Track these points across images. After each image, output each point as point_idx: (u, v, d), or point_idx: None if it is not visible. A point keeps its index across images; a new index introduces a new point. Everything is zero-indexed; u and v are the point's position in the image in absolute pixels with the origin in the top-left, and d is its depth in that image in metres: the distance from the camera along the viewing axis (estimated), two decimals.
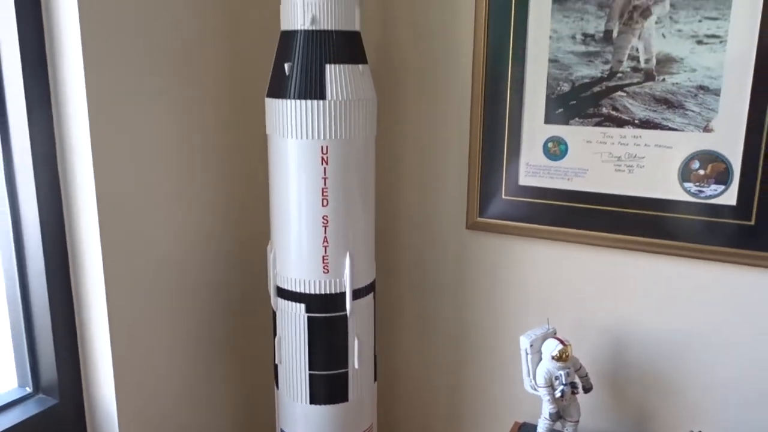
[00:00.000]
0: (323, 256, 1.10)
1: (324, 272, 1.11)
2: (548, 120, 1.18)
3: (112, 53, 1.02)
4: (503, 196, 1.24)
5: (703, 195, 1.09)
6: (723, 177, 1.07)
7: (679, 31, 1.05)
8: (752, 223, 1.06)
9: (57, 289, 1.08)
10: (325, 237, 1.10)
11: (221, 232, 1.29)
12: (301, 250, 1.11)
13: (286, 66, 1.06)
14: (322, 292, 1.11)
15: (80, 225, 1.06)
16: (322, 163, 1.07)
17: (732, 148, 1.05)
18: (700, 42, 1.04)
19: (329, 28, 1.05)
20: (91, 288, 1.08)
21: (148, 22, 1.08)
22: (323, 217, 1.09)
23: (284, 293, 1.14)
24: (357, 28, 1.08)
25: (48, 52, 1.01)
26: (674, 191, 1.11)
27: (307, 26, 1.04)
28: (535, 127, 1.19)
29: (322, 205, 1.08)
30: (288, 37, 1.06)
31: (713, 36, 1.03)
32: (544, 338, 1.13)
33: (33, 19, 0.99)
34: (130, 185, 1.09)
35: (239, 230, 1.34)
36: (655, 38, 1.07)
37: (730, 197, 1.07)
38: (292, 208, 1.10)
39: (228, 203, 1.30)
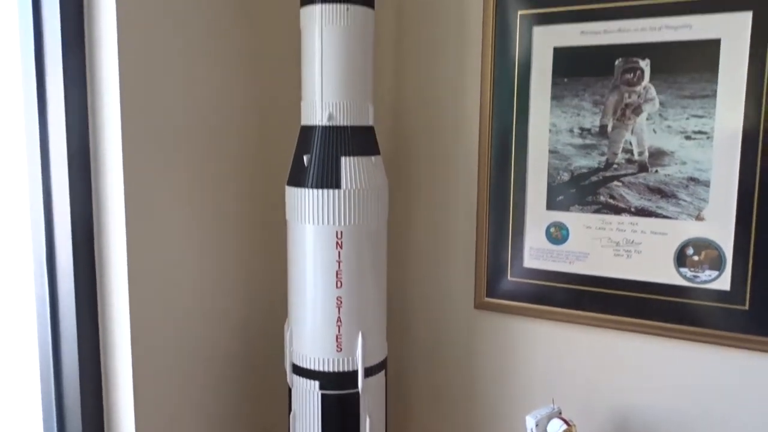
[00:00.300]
0: (336, 335, 1.16)
1: (337, 350, 1.17)
2: (550, 206, 1.25)
3: (151, 160, 1.13)
4: (509, 278, 1.31)
5: (698, 280, 1.14)
6: (716, 263, 1.13)
7: (669, 127, 1.13)
8: (746, 308, 1.11)
9: (87, 375, 1.15)
10: (339, 317, 1.16)
11: (242, 309, 1.36)
12: (315, 328, 1.17)
13: (305, 158, 1.15)
14: (335, 370, 1.17)
15: (111, 302, 1.14)
16: (336, 248, 1.15)
17: (723, 236, 1.11)
18: (688, 137, 1.12)
19: (345, 124, 1.15)
20: (119, 366, 1.15)
21: (186, 115, 1.19)
22: (337, 298, 1.15)
23: (299, 370, 1.20)
24: (370, 123, 1.18)
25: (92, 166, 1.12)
26: (671, 276, 1.16)
27: (325, 122, 1.14)
28: (537, 212, 1.26)
29: (336, 287, 1.15)
30: (307, 131, 1.16)
31: (700, 132, 1.11)
32: (549, 418, 1.17)
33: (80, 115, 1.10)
34: (159, 263, 1.17)
35: (259, 308, 1.41)
36: (646, 133, 1.15)
37: (723, 283, 1.12)
38: (308, 289, 1.17)
39: (249, 282, 1.37)
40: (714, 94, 1.09)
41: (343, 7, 1.11)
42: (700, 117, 1.11)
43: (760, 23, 1.05)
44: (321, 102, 1.14)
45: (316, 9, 1.12)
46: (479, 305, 1.35)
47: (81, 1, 1.08)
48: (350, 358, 1.17)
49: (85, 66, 1.10)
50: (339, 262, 1.15)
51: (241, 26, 1.30)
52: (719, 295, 1.13)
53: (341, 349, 1.17)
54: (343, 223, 1.14)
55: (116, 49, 1.06)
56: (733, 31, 1.07)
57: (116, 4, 1.05)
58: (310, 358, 1.18)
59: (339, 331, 1.16)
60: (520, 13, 1.23)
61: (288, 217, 1.20)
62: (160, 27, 1.13)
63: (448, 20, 1.33)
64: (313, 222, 1.14)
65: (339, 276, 1.15)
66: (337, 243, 1.15)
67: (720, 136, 1.10)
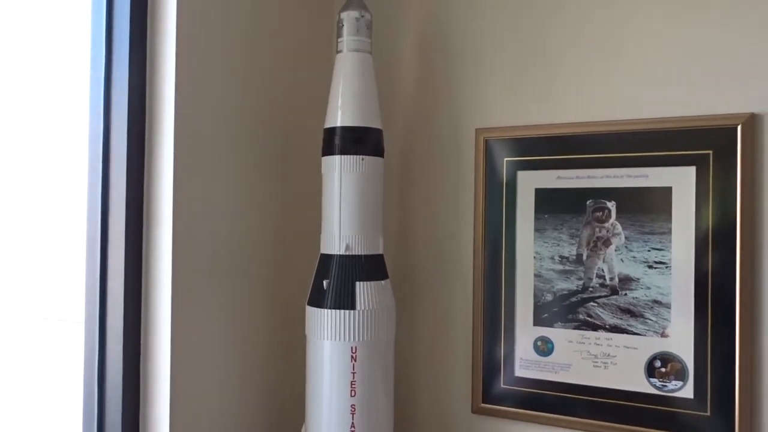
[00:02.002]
0: None
1: None
2: (536, 323, 1.43)
3: (197, 283, 1.31)
4: (502, 385, 1.47)
5: (666, 389, 1.31)
6: (681, 375, 1.30)
7: (634, 257, 1.34)
8: (708, 414, 1.27)
9: None
10: (353, 423, 1.31)
11: (263, 413, 1.51)
12: None
13: (325, 282, 1.34)
14: None
15: (153, 405, 1.30)
16: (351, 361, 1.32)
17: (685, 351, 1.30)
18: (650, 266, 1.32)
19: (359, 253, 1.34)
20: None
21: (225, 246, 1.38)
22: (351, 406, 1.31)
23: None
24: (381, 251, 1.38)
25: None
26: (643, 385, 1.33)
27: (342, 252, 1.34)
28: (526, 328, 1.45)
29: (351, 395, 1.31)
30: (326, 258, 1.36)
31: (660, 262, 1.31)
32: None
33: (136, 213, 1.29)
34: (192, 365, 1.33)
35: (279, 412, 1.55)
36: (615, 262, 1.35)
37: (688, 392, 1.30)
38: (325, 397, 1.33)
39: (271, 389, 1.53)
40: (669, 231, 1.30)
41: (358, 157, 1.34)
42: (660, 250, 1.31)
43: (702, 176, 1.28)
44: (339, 234, 1.34)
45: (336, 159, 1.34)
46: (476, 410, 1.50)
47: (142, 170, 1.29)
48: None
49: (142, 196, 1.30)
50: (353, 374, 1.32)
51: (273, 171, 1.51)
52: (685, 402, 1.30)
53: None
54: (357, 339, 1.31)
55: (171, 203, 1.27)
56: (681, 181, 1.29)
57: (174, 172, 1.27)
58: None
59: None
60: (506, 159, 1.46)
61: (308, 333, 1.37)
62: (210, 173, 1.35)
63: (446, 164, 1.56)
64: (330, 338, 1.32)
65: (353, 386, 1.32)
66: (352, 357, 1.32)
67: (676, 266, 1.30)
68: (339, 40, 1.39)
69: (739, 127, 1.25)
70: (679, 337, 1.30)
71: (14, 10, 1.48)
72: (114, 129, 1.28)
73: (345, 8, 1.38)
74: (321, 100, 1.66)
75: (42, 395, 1.41)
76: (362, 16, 1.38)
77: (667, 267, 1.31)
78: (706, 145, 1.28)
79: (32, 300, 1.45)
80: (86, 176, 1.30)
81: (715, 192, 1.27)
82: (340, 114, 1.35)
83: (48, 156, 1.44)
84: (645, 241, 1.33)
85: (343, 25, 1.38)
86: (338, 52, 1.39)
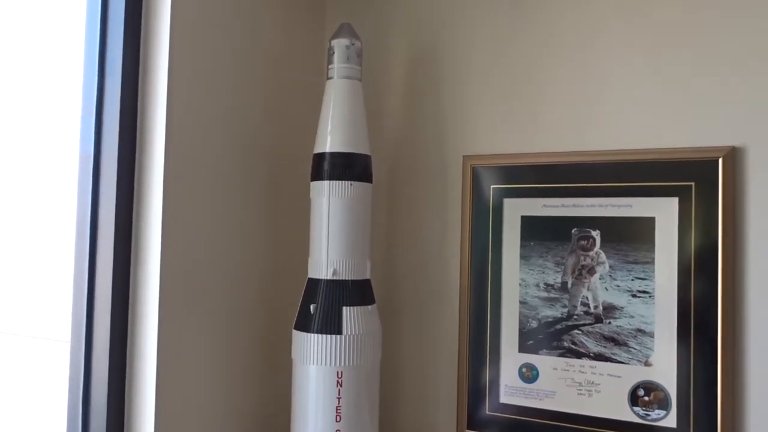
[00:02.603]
0: None
1: None
2: (521, 349, 1.44)
3: (183, 312, 1.32)
4: (487, 411, 1.47)
5: (649, 418, 1.32)
6: (664, 403, 1.31)
7: (618, 286, 1.35)
8: None
9: None
10: None
11: None
12: None
13: (312, 307, 1.35)
14: None
15: None
16: (337, 386, 1.32)
17: (668, 380, 1.31)
18: (634, 295, 1.34)
19: (346, 278, 1.35)
20: None
21: (215, 270, 1.39)
22: (336, 431, 1.31)
23: None
24: (368, 276, 1.39)
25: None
26: (626, 414, 1.34)
27: (330, 276, 1.35)
28: (511, 355, 1.45)
29: (336, 420, 1.31)
30: (314, 283, 1.36)
31: (644, 291, 1.33)
32: None
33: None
34: (178, 387, 1.33)
35: None
36: (600, 290, 1.37)
37: (671, 421, 1.30)
38: (311, 423, 1.32)
39: (256, 416, 1.52)
40: (653, 261, 1.32)
41: (347, 182, 1.35)
42: (643, 279, 1.33)
43: (684, 207, 1.30)
44: (327, 259, 1.35)
45: (325, 184, 1.36)
46: None
47: (132, 190, 1.30)
48: None
49: (131, 220, 1.31)
50: (339, 399, 1.32)
51: (263, 195, 1.53)
52: (668, 431, 1.31)
53: None
54: (343, 364, 1.32)
55: (160, 226, 1.28)
56: (664, 212, 1.32)
57: (163, 194, 1.28)
58: None
59: None
60: (492, 186, 1.48)
61: (294, 357, 1.37)
62: (199, 195, 1.36)
63: (433, 190, 1.58)
64: (316, 363, 1.32)
65: (338, 411, 1.32)
66: (337, 381, 1.32)
67: (660, 295, 1.32)
68: (329, 66, 1.41)
69: (720, 160, 1.27)
70: (662, 365, 1.31)
71: (9, 14, 1.50)
72: (104, 149, 1.28)
73: (336, 36, 1.41)
74: (311, 126, 1.68)
75: (28, 413, 1.40)
76: (352, 44, 1.40)
77: (650, 296, 1.32)
78: (688, 176, 1.30)
79: (20, 318, 1.45)
80: (75, 195, 1.31)
81: (698, 222, 1.29)
82: (329, 140, 1.37)
83: (37, 172, 1.45)
84: (629, 270, 1.34)
85: (333, 53, 1.40)
86: (329, 78, 1.41)
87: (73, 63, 1.40)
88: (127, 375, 1.30)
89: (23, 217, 1.46)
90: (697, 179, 1.29)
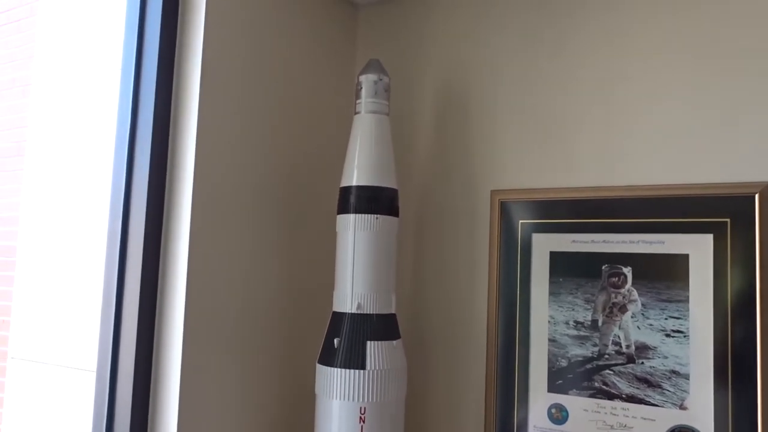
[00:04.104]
0: None
1: None
2: (551, 389, 1.40)
3: (210, 337, 1.32)
4: None
5: None
6: None
7: (651, 325, 1.31)
8: None
9: None
10: None
11: None
12: None
13: (336, 340, 1.33)
14: None
15: None
16: (360, 422, 1.29)
17: (705, 425, 1.25)
18: (668, 335, 1.29)
19: (371, 312, 1.34)
20: None
21: (242, 303, 1.39)
22: None
23: None
24: (393, 311, 1.37)
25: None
26: None
27: (354, 310, 1.34)
28: (540, 394, 1.41)
29: None
30: (338, 316, 1.35)
31: (678, 331, 1.28)
32: None
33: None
34: (201, 418, 1.32)
35: None
36: (632, 329, 1.33)
37: None
38: None
39: None
40: (687, 300, 1.28)
41: (373, 216, 1.35)
42: (677, 318, 1.28)
43: (720, 244, 1.26)
44: (352, 292, 1.34)
45: (351, 217, 1.36)
46: None
47: (161, 221, 1.32)
48: None
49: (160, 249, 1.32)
50: None
51: (289, 228, 1.53)
52: None
53: None
54: (366, 400, 1.29)
55: (186, 257, 1.29)
56: (698, 249, 1.28)
57: (190, 226, 1.29)
58: None
59: None
60: (521, 221, 1.46)
61: (317, 391, 1.36)
62: (226, 227, 1.37)
63: (460, 225, 1.56)
64: (339, 398, 1.30)
65: None
66: (360, 417, 1.30)
67: (695, 336, 1.27)
68: (357, 101, 1.42)
69: (756, 196, 1.23)
70: (699, 409, 1.26)
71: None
72: (135, 181, 1.31)
73: (364, 71, 1.42)
74: (338, 160, 1.69)
75: None
76: (380, 80, 1.41)
77: (685, 336, 1.28)
78: (723, 212, 1.26)
79: (49, 347, 1.47)
80: (106, 226, 1.33)
81: (734, 260, 1.25)
82: (356, 173, 1.37)
83: (69, 202, 1.48)
84: (662, 309, 1.30)
85: (361, 88, 1.41)
86: (356, 113, 1.42)
87: (111, 66, 1.44)
88: (150, 404, 1.30)
89: (52, 243, 1.49)
90: (732, 215, 1.25)
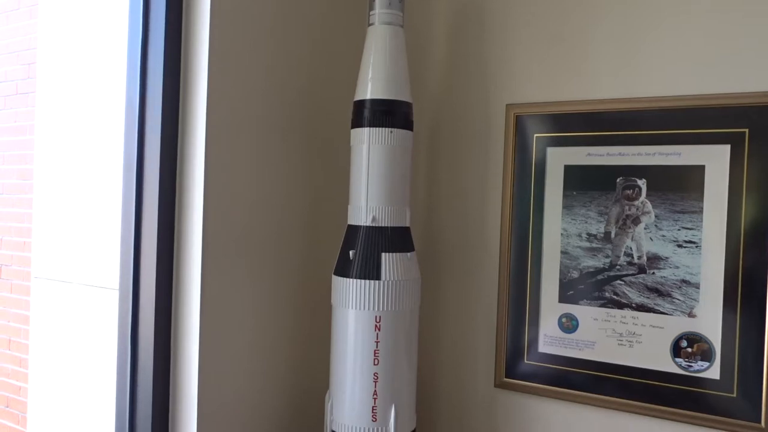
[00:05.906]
0: (372, 407, 1.34)
1: (372, 420, 1.34)
2: (562, 299, 1.43)
3: (227, 261, 1.35)
4: (525, 361, 1.48)
5: (692, 369, 1.30)
6: (707, 355, 1.29)
7: (663, 236, 1.32)
8: (734, 395, 1.26)
9: None
10: (375, 391, 1.34)
11: (291, 377, 1.54)
12: (354, 400, 1.35)
13: (351, 252, 1.36)
14: None
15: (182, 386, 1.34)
16: (375, 330, 1.34)
17: (713, 331, 1.28)
18: (680, 246, 1.30)
19: (385, 225, 1.36)
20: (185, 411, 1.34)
21: (259, 215, 1.41)
22: (374, 374, 1.33)
23: None
24: (407, 224, 1.39)
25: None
26: (668, 365, 1.32)
27: (369, 223, 1.36)
28: (551, 304, 1.44)
29: (374, 364, 1.33)
30: (353, 230, 1.37)
31: (690, 242, 1.29)
32: None
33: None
34: (222, 331, 1.37)
35: (305, 380, 1.59)
36: (644, 240, 1.34)
37: (714, 372, 1.28)
38: (349, 366, 1.35)
39: (296, 358, 1.56)
40: (701, 211, 1.28)
41: (387, 130, 1.35)
42: (690, 229, 1.29)
43: (737, 154, 1.25)
44: (366, 206, 1.36)
45: (365, 131, 1.35)
46: (499, 384, 1.51)
47: (176, 141, 1.33)
48: (384, 428, 1.34)
49: (175, 168, 1.34)
50: (377, 342, 1.34)
51: (304, 143, 1.54)
52: (711, 383, 1.28)
53: (376, 419, 1.34)
54: (381, 309, 1.33)
55: (203, 174, 1.30)
56: (715, 160, 1.27)
57: (205, 142, 1.29)
58: (348, 427, 1.35)
59: (375, 403, 1.34)
60: (536, 135, 1.45)
61: (333, 302, 1.39)
62: (241, 145, 1.37)
63: (475, 139, 1.56)
64: (355, 307, 1.34)
65: (376, 354, 1.34)
66: (375, 326, 1.34)
67: (707, 246, 1.28)
68: (371, 12, 1.39)
69: None
70: (707, 317, 1.28)
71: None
72: (149, 97, 1.31)
73: None
74: (352, 73, 1.67)
75: (79, 358, 1.47)
76: None
77: (697, 246, 1.29)
78: (741, 123, 1.25)
79: (71, 267, 1.51)
80: (122, 147, 1.35)
81: (751, 171, 1.24)
82: (370, 86, 1.36)
83: (83, 121, 1.49)
84: (675, 220, 1.31)
85: None
86: (370, 24, 1.39)
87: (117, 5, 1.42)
88: (172, 319, 1.34)
89: (73, 165, 1.51)
90: (751, 126, 1.24)
